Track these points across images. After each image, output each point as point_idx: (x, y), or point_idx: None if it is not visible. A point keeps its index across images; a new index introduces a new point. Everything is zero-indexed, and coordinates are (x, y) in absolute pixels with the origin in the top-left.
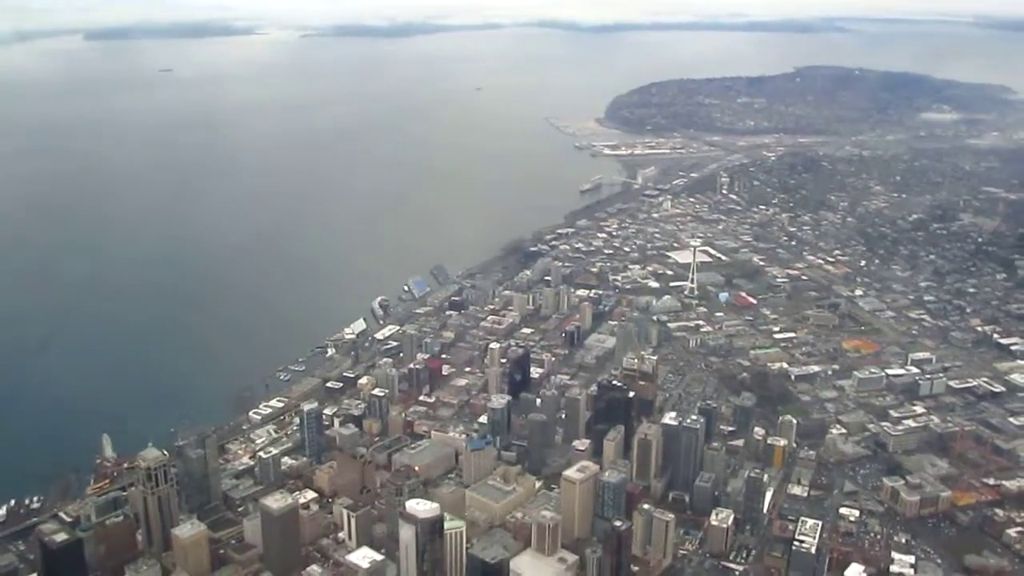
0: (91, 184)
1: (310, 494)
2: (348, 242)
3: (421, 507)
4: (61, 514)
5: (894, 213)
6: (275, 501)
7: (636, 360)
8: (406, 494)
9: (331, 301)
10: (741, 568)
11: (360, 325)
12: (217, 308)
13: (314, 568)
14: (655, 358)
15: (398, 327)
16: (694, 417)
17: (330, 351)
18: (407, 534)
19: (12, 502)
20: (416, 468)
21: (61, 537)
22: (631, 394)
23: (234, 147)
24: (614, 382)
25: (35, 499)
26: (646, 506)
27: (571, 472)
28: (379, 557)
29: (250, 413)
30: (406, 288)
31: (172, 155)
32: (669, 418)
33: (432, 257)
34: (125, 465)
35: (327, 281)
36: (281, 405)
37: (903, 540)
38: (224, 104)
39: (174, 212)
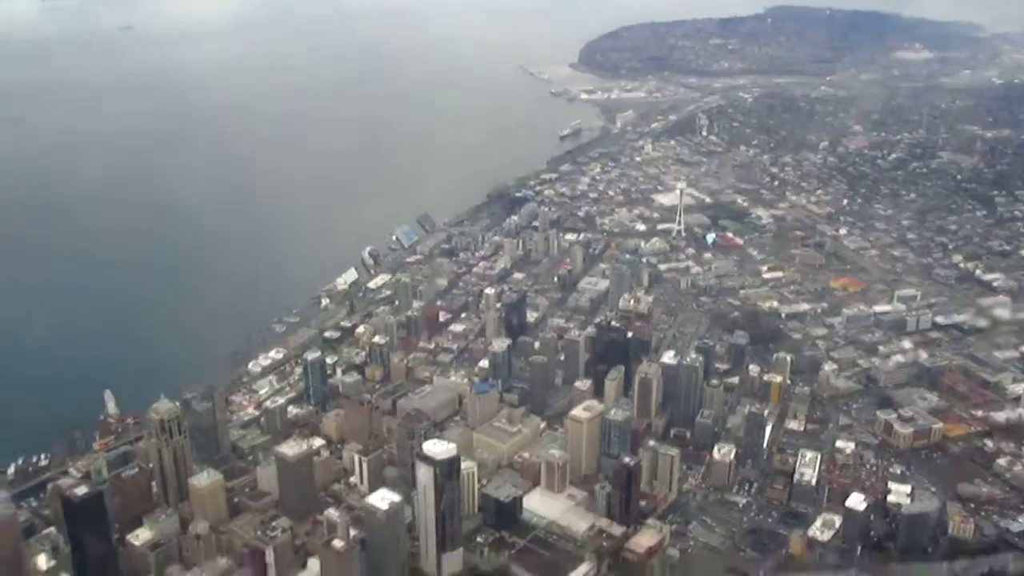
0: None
1: (318, 441)
2: (332, 196)
3: (438, 448)
4: (71, 470)
5: (874, 152)
6: (290, 448)
7: (632, 301)
8: (418, 437)
9: (320, 253)
10: (744, 501)
11: (352, 275)
12: (206, 265)
13: (331, 512)
14: (651, 299)
15: (390, 276)
16: (693, 356)
17: (324, 302)
18: (425, 475)
19: (20, 460)
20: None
21: (82, 490)
22: (629, 335)
23: (200, 110)
24: (612, 323)
25: (42, 456)
26: (651, 443)
27: (577, 411)
28: (397, 498)
29: (249, 365)
30: (394, 237)
31: (132, 122)
32: (667, 357)
33: (417, 206)
34: (128, 420)
35: (314, 234)
36: (280, 356)
37: (898, 471)
38: (190, 63)
39: (144, 178)
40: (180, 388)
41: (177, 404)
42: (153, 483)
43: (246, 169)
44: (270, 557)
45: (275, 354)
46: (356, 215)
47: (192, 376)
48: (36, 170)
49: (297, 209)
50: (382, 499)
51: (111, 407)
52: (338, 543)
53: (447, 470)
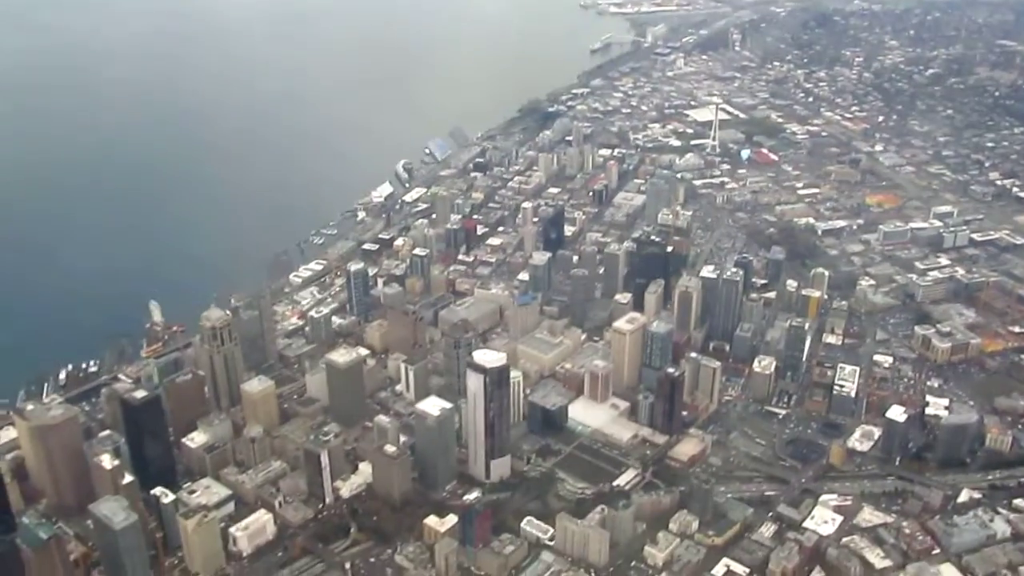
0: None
1: (362, 350)
2: (363, 109)
3: (489, 356)
4: (121, 376)
5: (910, 68)
6: (340, 356)
7: (671, 216)
8: (464, 347)
9: (354, 166)
10: (783, 412)
11: (386, 189)
12: (243, 179)
13: (381, 418)
14: (689, 214)
15: (425, 190)
16: (733, 270)
17: (360, 214)
18: (475, 383)
19: (70, 367)
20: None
21: (140, 394)
22: (669, 249)
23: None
24: (652, 237)
25: (91, 363)
26: (693, 354)
27: (620, 323)
28: (448, 405)
29: (290, 276)
30: (427, 151)
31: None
32: (707, 271)
33: (449, 120)
34: (174, 329)
35: (348, 147)
36: (320, 268)
37: (935, 384)
38: None
39: (177, 87)
40: (225, 298)
41: (227, 312)
42: (205, 389)
43: (279, 79)
44: (325, 460)
45: (315, 265)
46: (388, 128)
47: (234, 287)
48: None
49: (329, 122)
50: (433, 406)
51: (156, 316)
52: (390, 448)
53: (497, 378)
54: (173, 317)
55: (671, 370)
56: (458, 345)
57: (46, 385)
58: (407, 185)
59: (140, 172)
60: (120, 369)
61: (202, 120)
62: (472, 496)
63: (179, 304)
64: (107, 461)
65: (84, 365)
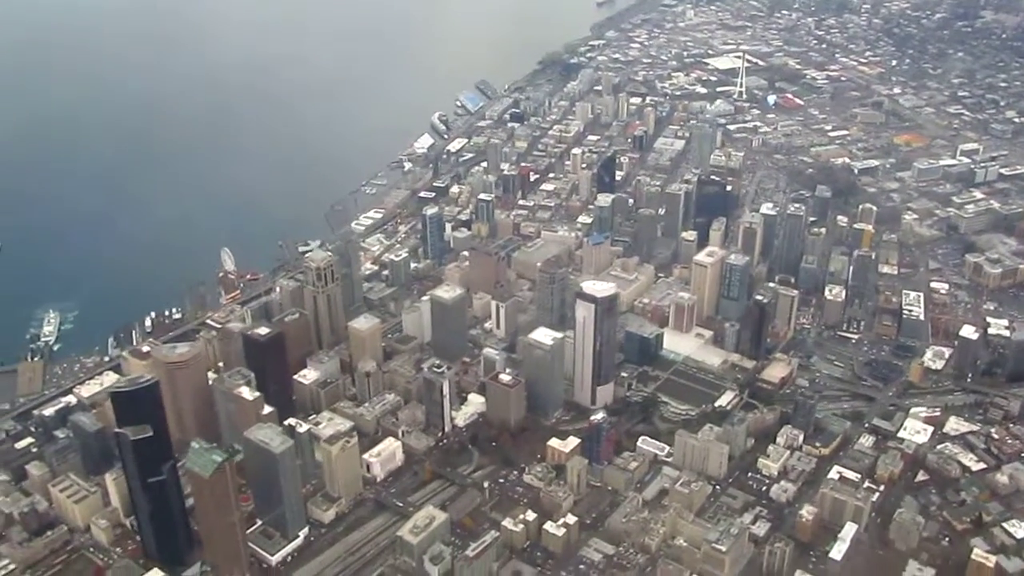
0: None
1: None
2: (384, 66)
3: (598, 286)
4: (209, 321)
5: (917, 13)
6: (445, 292)
7: (723, 157)
8: (558, 282)
9: (391, 120)
10: (856, 337)
11: (426, 140)
12: (292, 133)
13: (489, 350)
14: (741, 155)
15: (466, 140)
16: (796, 205)
17: (407, 165)
18: (585, 312)
19: (153, 314)
20: (538, 264)
21: (264, 331)
22: (728, 188)
23: None
24: (712, 177)
25: (173, 310)
26: (771, 284)
27: (701, 256)
28: (559, 335)
29: (352, 224)
30: (458, 103)
31: None
32: (766, 208)
33: (472, 73)
34: (247, 276)
35: (381, 102)
36: (380, 216)
37: (991, 307)
38: None
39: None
40: (290, 246)
41: (330, 253)
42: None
43: (304, 37)
44: (446, 389)
45: (374, 214)
46: (413, 84)
47: (298, 236)
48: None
49: (357, 76)
50: (545, 336)
51: (229, 264)
52: (506, 377)
53: (606, 307)
54: (244, 264)
55: (760, 297)
56: (553, 280)
57: (134, 332)
58: (446, 136)
59: (195, 127)
60: (204, 315)
61: (253, 74)
62: (598, 416)
63: (244, 253)
64: (247, 393)
65: (167, 312)
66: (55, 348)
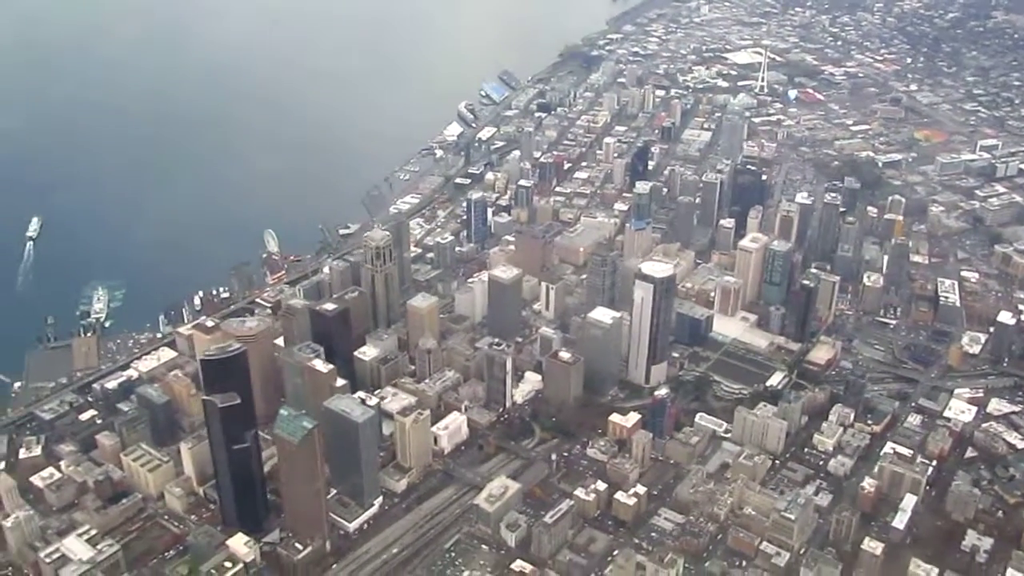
0: None
1: (486, 276)
2: (409, 56)
3: (657, 267)
4: (258, 300)
5: (930, 12)
6: (503, 272)
7: (757, 148)
8: (610, 264)
9: (416, 108)
10: (893, 322)
11: (456, 128)
12: (315, 123)
13: (546, 329)
14: (774, 145)
15: (495, 128)
16: (832, 195)
17: (438, 152)
18: (643, 292)
19: (201, 293)
20: (581, 249)
21: (331, 307)
22: (763, 177)
23: None
24: (748, 166)
25: (221, 289)
26: (812, 270)
27: (746, 242)
28: (617, 314)
29: (390, 209)
30: (483, 93)
31: None
32: (801, 197)
33: (494, 64)
34: (291, 257)
35: (405, 89)
36: (416, 201)
37: (1021, 295)
38: None
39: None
40: (331, 229)
41: (389, 233)
42: None
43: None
44: (508, 366)
45: (410, 199)
46: (438, 73)
47: (335, 220)
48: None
49: (381, 67)
50: (604, 315)
51: (272, 246)
52: (565, 354)
53: (664, 287)
54: (282, 248)
55: (807, 282)
56: (605, 263)
57: (183, 310)
58: (473, 125)
59: (227, 116)
60: (249, 294)
61: (281, 65)
62: (662, 392)
63: (284, 235)
64: (321, 365)
65: (214, 292)
66: (106, 324)
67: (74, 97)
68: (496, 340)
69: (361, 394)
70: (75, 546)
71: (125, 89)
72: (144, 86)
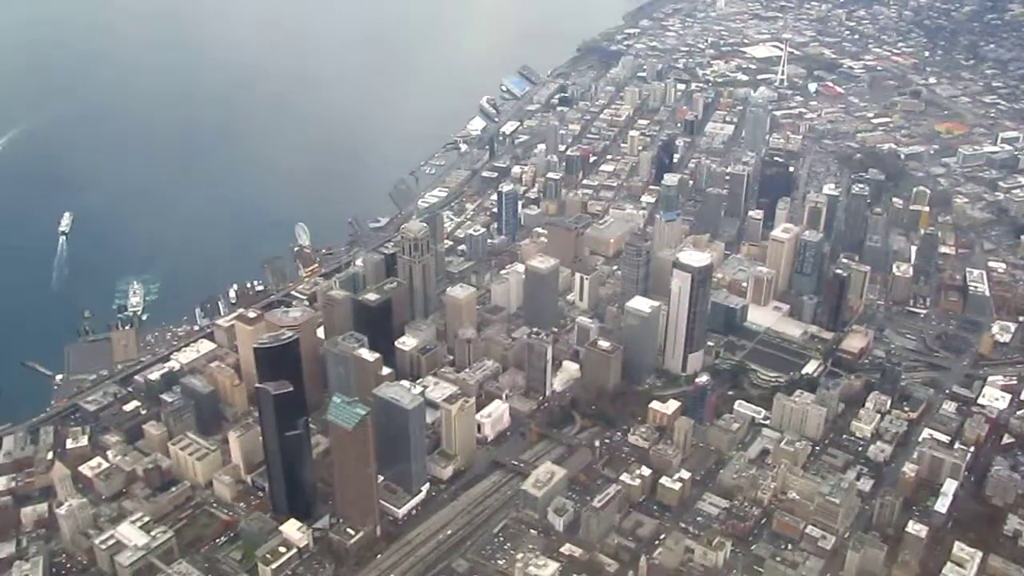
0: None
1: (520, 267)
2: (427, 52)
3: (695, 257)
4: (293, 292)
5: (946, 5)
6: (540, 262)
7: (783, 140)
8: (644, 255)
9: (437, 103)
10: (923, 312)
11: (479, 122)
12: (339, 118)
13: (583, 319)
14: (800, 137)
15: (518, 123)
16: (860, 186)
17: (463, 147)
18: (681, 282)
19: (235, 286)
20: (611, 240)
21: (375, 297)
22: (791, 168)
23: None
24: (776, 158)
25: (255, 282)
26: (843, 260)
27: (778, 232)
28: (656, 303)
29: (418, 203)
30: (503, 87)
31: None
32: (828, 189)
33: (513, 60)
34: (322, 251)
35: (426, 85)
36: (444, 194)
37: None
38: None
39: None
40: (360, 223)
41: (425, 225)
42: None
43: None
44: (549, 355)
45: (438, 192)
46: (457, 69)
47: (363, 213)
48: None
49: (402, 64)
50: (642, 304)
51: (304, 239)
52: (604, 343)
53: (702, 277)
54: (317, 240)
55: (840, 272)
56: (639, 253)
57: (219, 303)
58: (496, 120)
59: (249, 114)
60: (286, 287)
61: (303, 62)
62: (703, 379)
63: (313, 229)
64: (367, 354)
65: (248, 285)
66: (143, 318)
67: (102, 98)
68: (535, 329)
69: (404, 383)
70: (129, 532)
71: (151, 91)
72: (170, 87)
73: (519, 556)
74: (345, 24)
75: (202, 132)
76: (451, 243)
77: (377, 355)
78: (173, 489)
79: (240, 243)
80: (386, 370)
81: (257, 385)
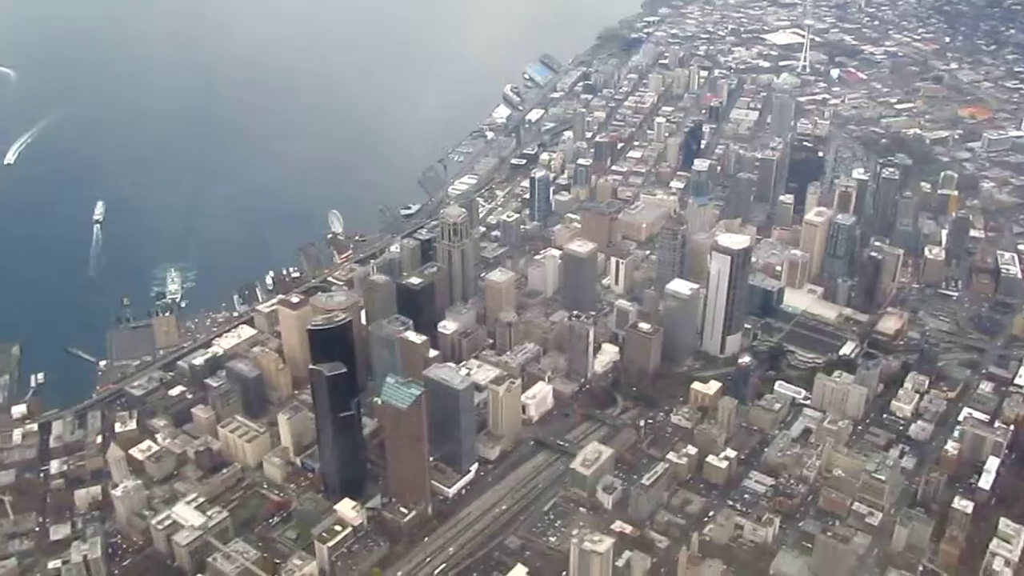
0: None
1: (554, 252)
2: (448, 40)
3: (734, 239)
4: (330, 278)
5: None
6: (579, 246)
7: (811, 125)
8: (680, 238)
9: (461, 91)
10: (955, 294)
11: (504, 110)
12: (364, 108)
13: (622, 302)
14: (827, 122)
15: (543, 110)
16: (890, 170)
17: (489, 134)
18: (720, 263)
19: (271, 273)
20: (643, 225)
21: (417, 281)
22: (820, 154)
23: None
24: (805, 143)
25: (291, 269)
26: (877, 243)
27: (811, 216)
28: (695, 286)
29: (448, 189)
30: (526, 76)
31: None
32: (857, 173)
33: (534, 48)
34: (356, 237)
35: (449, 74)
36: (474, 181)
37: None
38: None
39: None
40: (392, 209)
41: (464, 210)
42: None
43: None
44: (591, 337)
45: (468, 180)
46: (479, 57)
47: (393, 200)
48: None
49: (426, 55)
50: (682, 286)
51: (337, 227)
52: (645, 326)
53: (741, 259)
54: (349, 227)
55: (874, 254)
56: (676, 236)
57: (257, 289)
58: (520, 108)
59: (274, 105)
60: (322, 273)
61: (322, 57)
62: (745, 359)
63: (345, 216)
64: (414, 337)
65: (284, 271)
66: (182, 304)
67: (128, 92)
68: (575, 312)
69: (450, 364)
70: (185, 513)
71: (178, 87)
72: (197, 84)
73: (574, 532)
74: (366, 18)
75: (229, 126)
76: (483, 229)
77: (424, 337)
78: (224, 471)
79: (273, 231)
80: (432, 352)
81: (311, 366)
